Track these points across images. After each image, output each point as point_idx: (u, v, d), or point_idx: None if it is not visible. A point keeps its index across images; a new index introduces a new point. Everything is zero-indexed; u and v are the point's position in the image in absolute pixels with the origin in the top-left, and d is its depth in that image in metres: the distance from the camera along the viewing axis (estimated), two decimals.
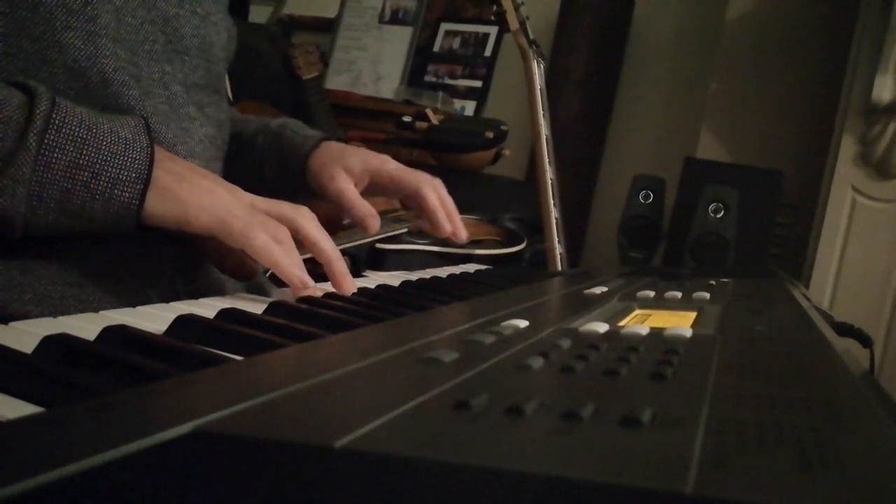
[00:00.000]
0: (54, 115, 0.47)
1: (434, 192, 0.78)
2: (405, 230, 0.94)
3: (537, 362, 0.29)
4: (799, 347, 0.35)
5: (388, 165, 0.78)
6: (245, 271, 0.60)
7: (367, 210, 0.73)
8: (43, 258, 0.53)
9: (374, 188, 0.79)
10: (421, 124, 2.02)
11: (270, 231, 0.55)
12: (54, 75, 0.53)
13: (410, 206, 0.81)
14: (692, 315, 0.48)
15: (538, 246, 1.58)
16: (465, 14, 2.72)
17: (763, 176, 1.98)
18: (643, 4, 2.56)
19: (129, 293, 0.57)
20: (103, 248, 0.56)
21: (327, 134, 0.82)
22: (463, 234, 0.80)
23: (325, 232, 0.59)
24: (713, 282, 0.68)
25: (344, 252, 0.67)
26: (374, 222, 0.74)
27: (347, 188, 0.75)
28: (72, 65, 0.54)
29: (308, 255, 0.58)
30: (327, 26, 2.79)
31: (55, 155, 0.47)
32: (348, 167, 0.76)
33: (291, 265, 0.54)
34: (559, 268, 1.45)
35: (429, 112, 2.06)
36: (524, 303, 0.52)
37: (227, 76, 0.76)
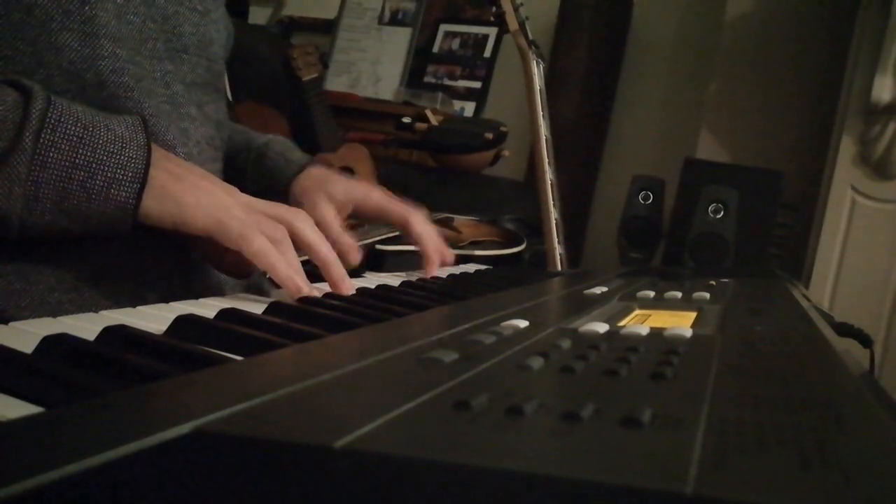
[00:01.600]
0: (50, 114, 0.47)
1: (422, 224, 0.77)
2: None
3: (537, 362, 0.29)
4: (799, 347, 0.35)
5: (372, 196, 0.77)
6: (242, 270, 0.60)
7: (346, 245, 0.70)
8: (40, 264, 0.53)
9: (357, 216, 0.78)
10: (420, 125, 2.02)
11: (268, 231, 0.54)
12: (50, 77, 0.53)
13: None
14: (692, 315, 0.48)
15: (538, 246, 1.58)
16: (465, 15, 2.72)
17: (763, 176, 1.98)
18: (642, 5, 2.56)
19: (127, 297, 0.57)
20: (100, 252, 0.56)
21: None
22: (450, 261, 0.80)
23: (321, 235, 0.59)
24: (713, 282, 0.68)
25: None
26: (354, 256, 0.70)
27: (328, 218, 0.73)
28: (68, 67, 0.54)
29: (305, 258, 0.58)
30: (327, 27, 2.79)
31: (51, 154, 0.47)
32: (331, 194, 0.75)
33: (287, 269, 0.54)
34: (559, 268, 1.45)
35: (428, 113, 2.06)
36: (524, 303, 0.52)
37: (225, 75, 0.75)
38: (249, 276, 0.61)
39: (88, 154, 0.48)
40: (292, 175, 0.77)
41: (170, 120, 0.61)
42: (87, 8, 0.54)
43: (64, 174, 0.48)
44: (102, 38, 0.55)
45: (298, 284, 0.54)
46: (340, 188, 0.76)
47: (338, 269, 0.59)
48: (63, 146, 0.47)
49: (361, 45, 2.72)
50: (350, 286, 0.59)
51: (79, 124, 0.48)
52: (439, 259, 0.77)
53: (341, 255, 0.70)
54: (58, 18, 0.53)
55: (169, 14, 0.63)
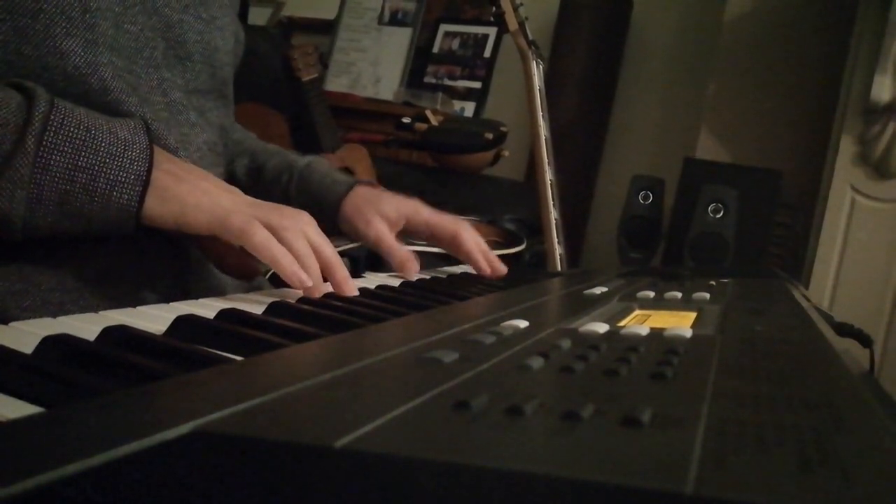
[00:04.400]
0: (52, 117, 0.47)
1: (470, 236, 0.80)
2: None
3: (537, 362, 0.29)
4: (799, 347, 0.35)
5: (422, 211, 0.80)
6: (247, 270, 0.60)
7: (405, 255, 0.75)
8: (42, 265, 0.53)
9: (406, 233, 0.81)
10: (420, 125, 2.02)
11: (274, 220, 0.55)
12: (55, 82, 0.53)
13: (442, 248, 0.83)
14: (692, 315, 0.48)
15: (538, 247, 1.58)
16: (465, 15, 2.72)
17: (762, 176, 1.98)
18: (642, 5, 2.56)
19: (128, 298, 0.57)
20: (101, 253, 0.56)
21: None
22: (503, 271, 0.82)
23: (324, 236, 0.59)
24: (713, 282, 0.68)
25: (343, 254, 0.66)
26: (414, 266, 0.74)
27: (385, 233, 0.76)
28: (72, 71, 0.54)
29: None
30: (326, 28, 2.79)
31: (53, 157, 0.47)
32: (384, 213, 0.78)
33: (291, 263, 0.54)
34: (559, 268, 1.45)
35: (428, 113, 2.06)
36: (524, 303, 0.52)
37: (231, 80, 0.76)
38: (254, 278, 0.62)
39: (91, 156, 0.48)
40: (342, 194, 0.79)
41: (169, 126, 0.61)
42: (87, 16, 0.54)
43: (66, 176, 0.48)
44: (101, 46, 0.55)
45: (301, 277, 0.54)
46: (391, 206, 0.79)
47: (341, 271, 0.59)
48: (66, 149, 0.48)
49: (361, 45, 2.72)
50: (353, 287, 0.59)
51: (81, 127, 0.48)
52: (489, 270, 0.80)
53: (399, 266, 0.75)
54: (62, 24, 0.53)
55: (174, 22, 0.63)
